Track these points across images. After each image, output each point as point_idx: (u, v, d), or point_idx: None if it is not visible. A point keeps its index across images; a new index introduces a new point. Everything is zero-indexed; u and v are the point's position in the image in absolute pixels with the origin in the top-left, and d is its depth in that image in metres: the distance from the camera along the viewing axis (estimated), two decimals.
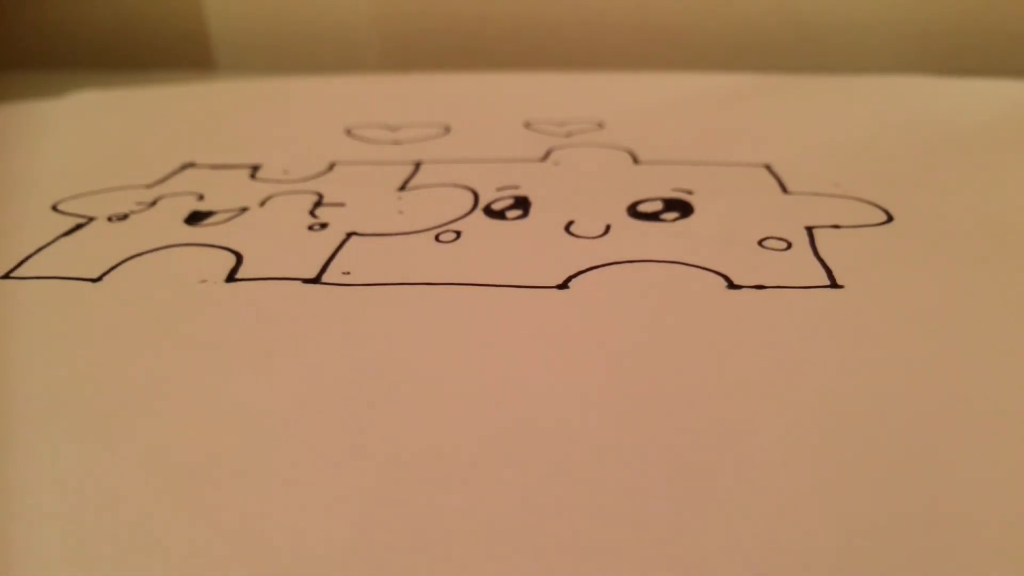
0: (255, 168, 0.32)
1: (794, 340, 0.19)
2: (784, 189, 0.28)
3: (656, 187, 0.28)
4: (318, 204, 0.28)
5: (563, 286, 0.21)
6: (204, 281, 0.22)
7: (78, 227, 0.26)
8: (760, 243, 0.23)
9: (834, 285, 0.21)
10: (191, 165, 0.33)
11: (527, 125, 0.37)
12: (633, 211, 0.26)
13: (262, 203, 0.28)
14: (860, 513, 0.14)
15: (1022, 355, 0.18)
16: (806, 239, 0.24)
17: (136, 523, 0.14)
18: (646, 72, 0.46)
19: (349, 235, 0.25)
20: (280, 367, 0.18)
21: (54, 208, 0.28)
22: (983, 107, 0.37)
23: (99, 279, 0.23)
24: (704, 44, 0.52)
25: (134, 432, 0.16)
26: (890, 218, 0.25)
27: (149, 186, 0.30)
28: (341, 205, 0.28)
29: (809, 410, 0.16)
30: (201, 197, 0.29)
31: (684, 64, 0.50)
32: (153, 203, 0.28)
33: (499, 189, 0.28)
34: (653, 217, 0.26)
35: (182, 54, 0.57)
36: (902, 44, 0.49)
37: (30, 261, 0.24)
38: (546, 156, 0.32)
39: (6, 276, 0.23)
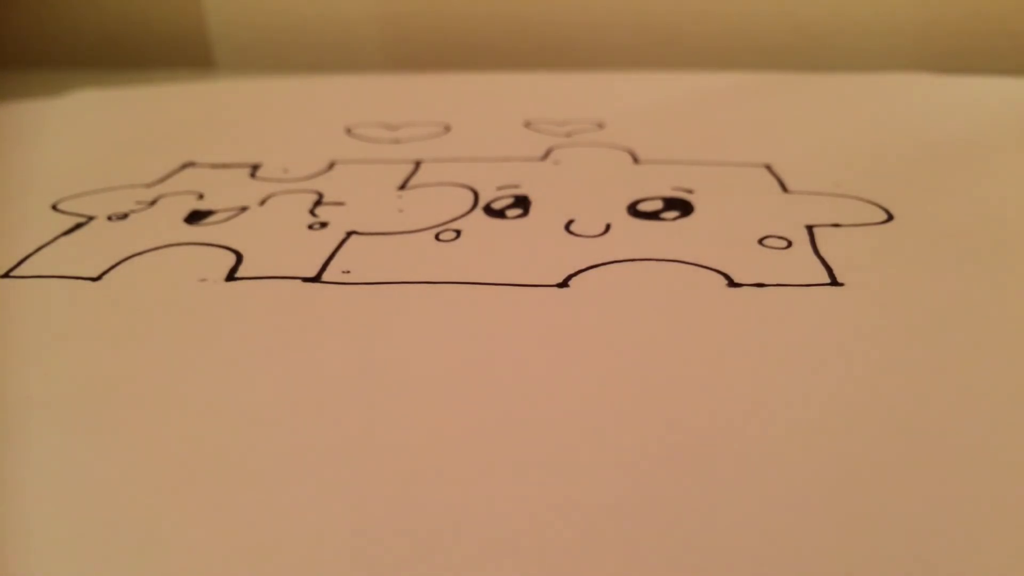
0: (255, 167, 0.32)
1: (794, 337, 0.19)
2: (784, 188, 0.28)
3: (656, 186, 0.28)
4: (318, 203, 0.28)
5: (563, 285, 0.21)
6: (204, 280, 0.22)
7: (78, 226, 0.26)
8: (760, 241, 0.23)
9: (834, 283, 0.21)
10: (191, 164, 0.33)
11: (527, 125, 0.37)
12: (633, 210, 0.26)
13: (262, 202, 0.28)
14: (860, 511, 0.14)
15: (1021, 353, 0.18)
16: (806, 238, 0.23)
17: (136, 522, 0.14)
18: (646, 72, 0.46)
19: (349, 234, 0.25)
20: (280, 366, 0.18)
21: (54, 207, 0.28)
22: (983, 106, 0.37)
23: (99, 278, 0.23)
24: (704, 44, 0.52)
25: (134, 431, 0.16)
26: (890, 217, 0.25)
27: (149, 185, 0.30)
28: (341, 204, 0.28)
29: (809, 407, 0.16)
30: (201, 196, 0.29)
31: (684, 64, 0.50)
32: (153, 202, 0.28)
33: (499, 188, 0.28)
34: (653, 216, 0.26)
35: (182, 54, 0.57)
36: (902, 43, 0.49)
37: (30, 260, 0.24)
38: (546, 155, 0.32)
39: (6, 275, 0.23)
